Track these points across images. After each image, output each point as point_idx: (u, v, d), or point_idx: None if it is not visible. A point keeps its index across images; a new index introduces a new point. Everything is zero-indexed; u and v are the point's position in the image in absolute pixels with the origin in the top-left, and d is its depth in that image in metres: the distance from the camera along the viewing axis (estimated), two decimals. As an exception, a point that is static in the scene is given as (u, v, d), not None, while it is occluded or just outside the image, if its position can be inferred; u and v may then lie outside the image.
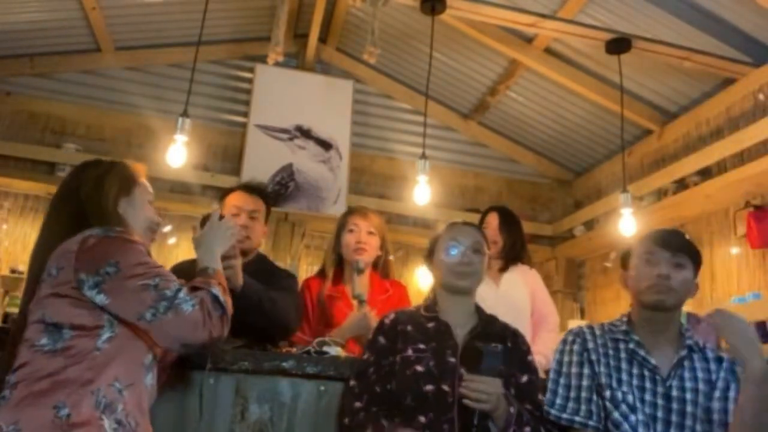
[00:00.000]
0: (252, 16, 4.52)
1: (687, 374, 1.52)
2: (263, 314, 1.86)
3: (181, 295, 1.30)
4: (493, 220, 2.74)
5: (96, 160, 1.54)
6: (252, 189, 2.24)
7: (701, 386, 1.51)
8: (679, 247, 1.56)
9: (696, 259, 1.58)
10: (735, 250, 3.60)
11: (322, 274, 2.40)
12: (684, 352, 1.55)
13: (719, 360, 1.56)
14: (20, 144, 4.22)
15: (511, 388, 1.53)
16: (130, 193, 1.48)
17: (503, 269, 2.72)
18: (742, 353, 1.43)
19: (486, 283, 2.56)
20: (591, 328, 1.63)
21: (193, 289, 1.36)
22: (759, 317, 3.07)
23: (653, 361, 1.53)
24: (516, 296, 2.64)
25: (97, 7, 3.99)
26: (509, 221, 2.75)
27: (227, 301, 1.38)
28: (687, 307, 3.46)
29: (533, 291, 2.72)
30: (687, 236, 1.64)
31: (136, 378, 1.28)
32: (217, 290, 1.37)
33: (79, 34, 4.30)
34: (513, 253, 2.73)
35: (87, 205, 1.41)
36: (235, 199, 2.18)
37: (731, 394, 1.50)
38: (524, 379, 1.57)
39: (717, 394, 1.50)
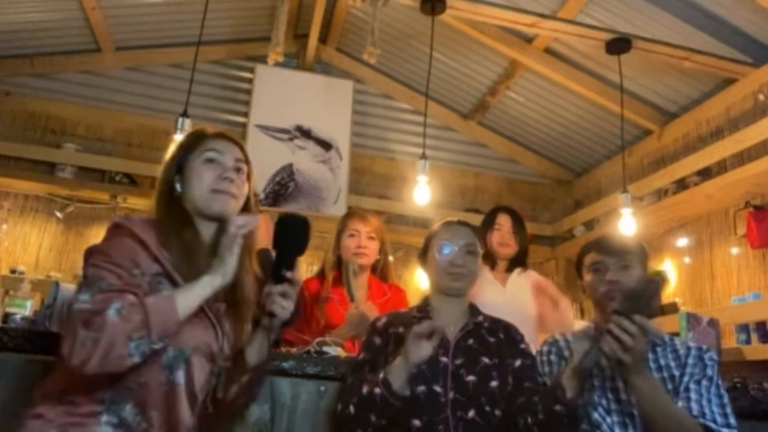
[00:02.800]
0: (252, 16, 4.52)
1: (653, 366, 1.55)
2: None
3: (83, 295, 1.06)
4: (506, 222, 2.63)
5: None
6: None
7: (667, 374, 1.53)
8: (622, 250, 1.61)
9: (642, 257, 1.63)
10: (735, 250, 3.60)
11: (321, 275, 2.41)
12: (647, 347, 1.57)
13: (687, 348, 1.59)
14: (20, 144, 4.22)
15: (508, 376, 1.53)
16: (182, 166, 1.33)
17: (509, 269, 2.70)
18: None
19: (492, 284, 2.55)
20: (563, 335, 1.68)
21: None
22: (759, 317, 3.08)
23: None
24: (522, 300, 2.61)
25: (97, 7, 3.99)
26: (522, 224, 2.67)
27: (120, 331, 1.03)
28: (687, 307, 3.47)
29: (551, 299, 2.67)
30: (628, 238, 1.69)
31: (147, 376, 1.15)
32: (119, 304, 1.04)
33: (79, 34, 4.30)
34: (524, 258, 2.69)
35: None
36: None
37: (688, 370, 1.52)
38: (518, 363, 1.57)
39: (677, 372, 1.53)
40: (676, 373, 1.53)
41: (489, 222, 2.66)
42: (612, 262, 1.59)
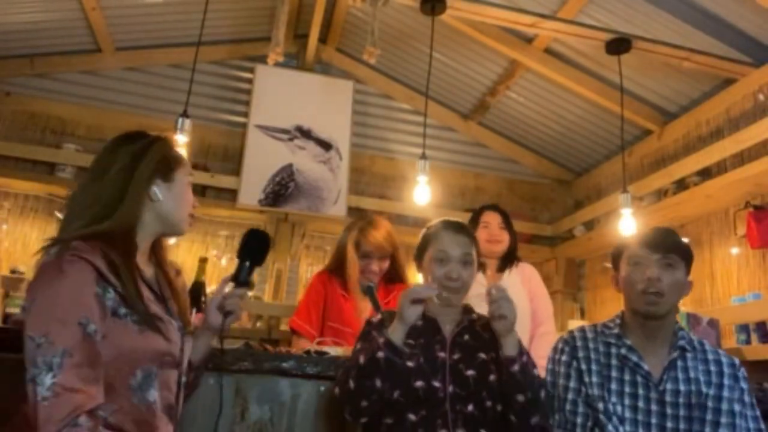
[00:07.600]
0: (252, 16, 4.52)
1: (680, 376, 1.49)
2: None
3: (45, 377, 1.03)
4: (493, 219, 2.68)
5: (135, 132, 1.34)
6: None
7: (695, 387, 1.47)
8: (668, 248, 1.52)
9: (687, 257, 1.54)
10: (735, 250, 3.60)
11: (334, 272, 2.46)
12: (675, 354, 1.52)
13: (719, 362, 1.53)
14: (20, 144, 4.22)
15: (503, 375, 1.53)
16: (171, 177, 1.31)
17: (501, 269, 2.70)
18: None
19: (483, 285, 2.56)
20: (583, 332, 1.61)
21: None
22: (759, 317, 3.07)
23: (646, 366, 1.50)
24: (515, 299, 2.61)
25: (97, 7, 3.99)
26: (509, 220, 2.73)
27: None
28: (686, 307, 3.47)
29: (531, 291, 2.70)
30: (675, 234, 1.59)
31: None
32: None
33: (79, 35, 4.29)
34: (514, 254, 2.72)
35: (106, 193, 1.23)
36: None
37: (725, 393, 1.48)
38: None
39: (711, 391, 1.48)
40: (706, 389, 1.47)
41: (475, 221, 2.69)
42: (656, 259, 1.51)
